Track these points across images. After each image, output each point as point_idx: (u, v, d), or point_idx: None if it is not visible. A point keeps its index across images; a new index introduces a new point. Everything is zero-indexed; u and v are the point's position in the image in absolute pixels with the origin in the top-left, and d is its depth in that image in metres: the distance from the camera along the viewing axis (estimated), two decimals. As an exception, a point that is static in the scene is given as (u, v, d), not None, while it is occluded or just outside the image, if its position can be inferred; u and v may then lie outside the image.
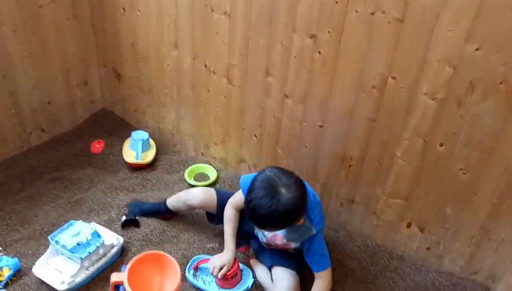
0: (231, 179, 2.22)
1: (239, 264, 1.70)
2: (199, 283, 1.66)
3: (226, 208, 1.73)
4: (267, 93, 1.89)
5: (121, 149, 2.35)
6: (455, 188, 1.62)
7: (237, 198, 1.71)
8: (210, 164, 2.30)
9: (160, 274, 1.22)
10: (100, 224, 1.85)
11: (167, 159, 2.35)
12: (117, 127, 2.54)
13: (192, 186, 2.15)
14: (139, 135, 2.30)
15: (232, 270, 1.63)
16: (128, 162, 2.25)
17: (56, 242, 1.65)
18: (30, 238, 1.82)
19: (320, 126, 1.81)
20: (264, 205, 1.35)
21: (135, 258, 1.20)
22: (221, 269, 1.61)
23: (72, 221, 1.76)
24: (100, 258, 1.70)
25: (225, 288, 1.66)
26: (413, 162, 1.65)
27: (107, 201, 2.05)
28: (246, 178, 1.65)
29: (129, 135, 2.36)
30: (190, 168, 2.26)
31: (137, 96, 2.43)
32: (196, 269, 1.71)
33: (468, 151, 1.53)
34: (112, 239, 1.76)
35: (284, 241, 1.64)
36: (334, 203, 1.95)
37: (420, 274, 1.81)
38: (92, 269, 1.66)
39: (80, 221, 1.75)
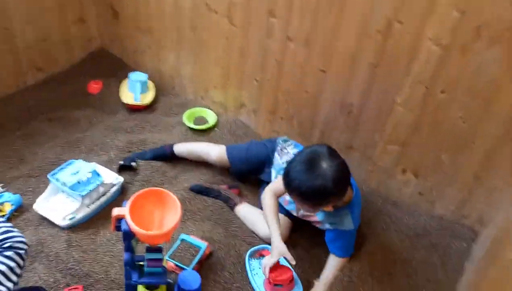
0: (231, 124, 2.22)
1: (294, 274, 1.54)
2: (249, 274, 1.56)
3: (265, 193, 1.62)
4: (270, 35, 1.85)
5: (118, 90, 2.32)
6: (453, 136, 1.64)
7: (278, 185, 1.58)
8: (210, 108, 2.29)
9: (160, 210, 1.24)
10: (99, 164, 1.86)
11: (166, 102, 2.33)
12: (115, 68, 2.49)
13: (191, 129, 2.15)
14: (138, 76, 2.27)
15: (285, 276, 1.49)
16: (127, 103, 2.23)
17: (56, 179, 1.67)
18: (30, 176, 1.84)
19: (322, 71, 1.79)
20: (302, 177, 1.32)
21: (136, 193, 1.22)
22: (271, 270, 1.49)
23: (71, 160, 1.77)
24: (100, 197, 1.73)
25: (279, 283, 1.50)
26: (413, 109, 1.66)
27: (105, 141, 2.05)
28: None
29: (126, 76, 2.33)
30: (189, 111, 2.25)
31: (135, 36, 2.37)
32: (261, 256, 1.63)
33: (469, 99, 1.53)
34: (112, 178, 1.79)
35: (317, 219, 1.61)
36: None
37: (412, 218, 1.87)
38: (92, 207, 1.70)
39: (80, 160, 1.77)
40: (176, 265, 1.53)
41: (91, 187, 1.67)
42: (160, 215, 1.25)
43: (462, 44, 1.45)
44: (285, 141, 1.80)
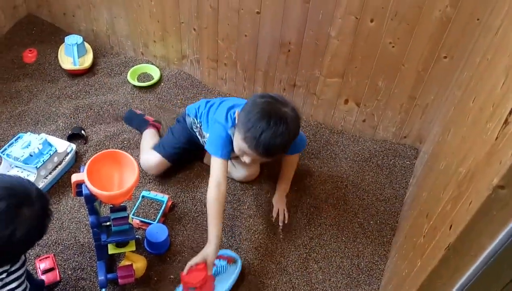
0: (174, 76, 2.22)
1: (212, 274, 1.42)
2: None
3: (209, 188, 1.47)
4: (201, -18, 1.84)
5: (56, 56, 2.25)
6: (385, 61, 1.74)
7: (218, 171, 1.47)
8: (152, 63, 2.28)
9: (118, 171, 1.28)
10: (49, 134, 1.85)
11: (107, 62, 2.29)
12: (47, 33, 2.38)
13: (137, 87, 2.14)
14: (73, 40, 2.19)
15: (195, 281, 1.34)
16: (66, 68, 2.18)
17: (7, 155, 1.66)
18: (-21, 156, 1.81)
19: (257, 12, 1.81)
20: (276, 132, 1.33)
21: (92, 157, 1.24)
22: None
23: (20, 133, 1.75)
24: (56, 166, 1.74)
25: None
26: (347, 40, 1.73)
27: (51, 110, 2.02)
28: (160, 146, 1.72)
29: (62, 41, 2.24)
30: (132, 69, 2.22)
31: (62, -3, 2.26)
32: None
33: (396, 24, 1.61)
34: (65, 146, 1.79)
35: None
36: (277, 89, 2.03)
37: (358, 144, 2.00)
38: (49, 177, 1.71)
39: (28, 133, 1.75)
40: (142, 221, 1.60)
41: (44, 157, 1.68)
42: (119, 175, 1.29)
43: (384, -28, 1.50)
44: (192, 115, 1.75)
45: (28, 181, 1.12)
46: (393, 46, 1.68)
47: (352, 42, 1.73)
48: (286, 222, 1.64)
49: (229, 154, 1.53)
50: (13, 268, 1.09)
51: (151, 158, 1.73)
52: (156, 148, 1.75)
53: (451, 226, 0.91)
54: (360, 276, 1.56)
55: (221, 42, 2.00)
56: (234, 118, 1.51)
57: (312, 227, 1.69)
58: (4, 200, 1.00)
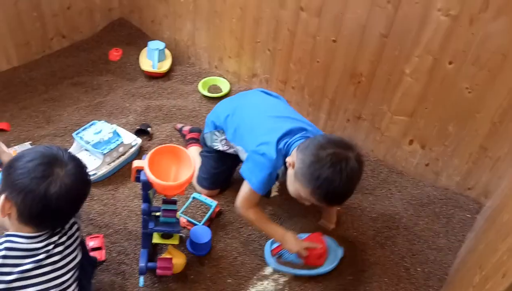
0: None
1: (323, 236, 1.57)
2: (289, 269, 1.55)
3: (243, 211, 1.53)
4: (283, 6, 1.90)
5: (138, 58, 2.41)
6: (459, 106, 1.68)
7: (250, 196, 1.50)
8: (224, 77, 2.37)
9: (176, 166, 1.33)
10: (119, 126, 1.96)
11: (182, 70, 2.41)
12: (134, 37, 2.58)
13: (206, 97, 2.23)
14: (156, 45, 2.35)
15: (322, 247, 1.52)
16: (145, 70, 2.32)
17: (80, 137, 1.78)
18: (56, 135, 1.96)
19: (333, 41, 1.84)
20: (350, 184, 1.30)
21: (155, 148, 1.31)
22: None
23: (94, 121, 1.88)
24: (120, 156, 1.84)
25: (317, 265, 1.54)
26: (421, 79, 1.70)
27: (125, 105, 2.16)
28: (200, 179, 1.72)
29: (145, 45, 2.41)
30: (204, 80, 2.33)
31: (153, 6, 2.44)
32: (278, 256, 1.57)
33: (475, 69, 1.57)
34: (131, 139, 1.89)
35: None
36: (341, 119, 2.03)
37: (417, 188, 1.93)
38: (113, 165, 1.81)
39: (102, 121, 1.87)
40: (188, 221, 1.64)
41: (112, 146, 1.78)
42: (176, 170, 1.34)
43: (470, 14, 1.48)
44: (210, 129, 1.72)
45: (59, 147, 1.09)
46: (469, 92, 1.63)
47: (426, 82, 1.70)
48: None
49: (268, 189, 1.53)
50: (60, 240, 1.10)
51: (197, 188, 1.78)
52: (198, 181, 1.76)
53: (504, 274, 0.85)
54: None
55: (293, 65, 2.04)
56: (284, 154, 1.44)
57: (354, 261, 1.63)
58: (36, 160, 1.02)
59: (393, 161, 2.00)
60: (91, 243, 1.49)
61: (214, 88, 2.33)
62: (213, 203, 1.70)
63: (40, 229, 1.05)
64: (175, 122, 2.09)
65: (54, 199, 1.00)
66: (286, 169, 1.43)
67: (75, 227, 1.16)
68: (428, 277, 1.61)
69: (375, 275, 1.59)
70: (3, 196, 1.01)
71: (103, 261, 1.47)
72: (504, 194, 1.48)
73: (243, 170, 1.50)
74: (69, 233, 1.12)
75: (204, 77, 2.35)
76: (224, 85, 2.32)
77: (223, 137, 1.67)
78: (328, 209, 1.71)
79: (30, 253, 1.03)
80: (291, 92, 2.13)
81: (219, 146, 1.69)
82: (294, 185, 1.38)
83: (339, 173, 1.26)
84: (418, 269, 1.63)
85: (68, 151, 1.11)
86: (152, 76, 2.34)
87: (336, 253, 1.57)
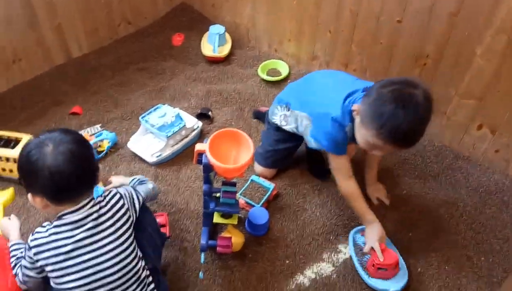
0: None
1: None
2: (352, 252, 1.53)
3: (345, 185, 1.52)
4: (345, -14, 1.86)
5: (199, 42, 2.47)
6: (535, 89, 1.57)
7: (346, 166, 1.51)
8: (283, 60, 2.36)
9: (236, 149, 1.37)
10: (181, 110, 2.03)
11: (242, 54, 2.44)
12: (195, 21, 2.64)
13: (265, 81, 2.25)
14: (216, 29, 2.39)
15: (391, 261, 1.43)
16: (206, 54, 2.38)
17: (146, 121, 1.87)
18: (123, 119, 2.07)
19: (398, 21, 1.77)
20: (417, 119, 1.24)
21: (215, 132, 1.35)
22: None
23: (159, 104, 1.96)
24: (183, 139, 1.91)
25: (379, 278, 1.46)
26: (493, 60, 1.60)
27: (187, 90, 2.23)
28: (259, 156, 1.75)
29: (207, 29, 2.45)
30: (263, 63, 2.34)
31: (214, -10, 2.48)
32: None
33: (556, 49, 1.45)
34: (193, 123, 1.96)
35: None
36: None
37: (484, 175, 1.83)
38: (176, 147, 1.88)
39: (166, 105, 1.95)
40: (247, 202, 1.68)
41: (175, 129, 1.85)
42: (236, 153, 1.38)
43: (552, -11, 1.36)
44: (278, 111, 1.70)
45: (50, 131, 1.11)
46: (547, 73, 1.51)
47: (499, 63, 1.59)
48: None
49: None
50: (102, 211, 1.14)
51: (255, 167, 1.80)
52: (255, 157, 1.77)
53: None
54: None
55: (355, 47, 1.99)
56: (350, 111, 1.41)
57: (414, 248, 1.59)
58: (25, 150, 1.07)
59: (460, 147, 1.91)
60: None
61: (273, 71, 2.33)
62: (271, 185, 1.72)
63: (71, 201, 1.10)
64: (234, 106, 2.13)
65: (56, 171, 1.03)
66: (353, 125, 1.41)
67: (116, 197, 1.20)
68: (492, 267, 1.54)
69: (435, 262, 1.55)
70: (29, 195, 1.10)
71: (168, 238, 1.55)
72: None
73: (312, 135, 1.53)
74: (111, 203, 1.17)
75: (264, 61, 2.36)
76: (284, 69, 2.32)
77: (283, 113, 1.67)
78: (375, 184, 1.71)
79: (78, 224, 1.10)
80: (352, 75, 2.07)
81: (277, 120, 1.70)
82: (360, 132, 1.35)
83: (403, 108, 1.22)
84: (482, 258, 1.57)
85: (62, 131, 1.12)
86: (213, 61, 2.39)
87: (404, 272, 1.48)
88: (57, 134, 1.09)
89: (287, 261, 1.53)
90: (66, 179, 1.06)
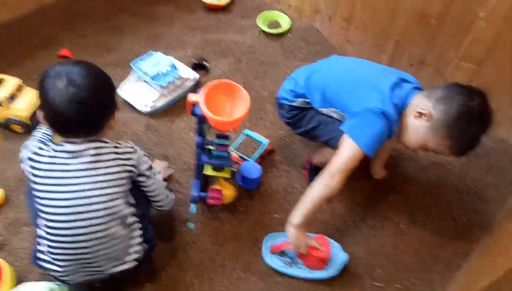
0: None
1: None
2: (287, 270, 1.43)
3: (334, 178, 1.28)
4: None
5: (198, -12, 2.38)
6: (534, 56, 1.55)
7: (354, 157, 1.28)
8: (285, 13, 2.29)
9: (231, 102, 1.35)
10: (176, 59, 1.99)
11: (242, 3, 2.37)
12: (194, -34, 2.53)
13: (264, 33, 2.19)
14: (216, -24, 2.30)
15: (327, 250, 1.39)
16: (205, 1, 2.30)
17: (137, 68, 1.83)
18: (117, 65, 2.01)
19: (403, -22, 1.71)
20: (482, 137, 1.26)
21: (211, 83, 1.33)
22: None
23: (151, 51, 1.91)
24: (177, 89, 1.89)
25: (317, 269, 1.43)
26: (496, 24, 1.57)
27: (183, 38, 2.17)
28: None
29: (206, -25, 2.36)
30: (263, 14, 2.27)
31: None
32: (281, 252, 1.45)
33: (562, 16, 1.42)
34: (188, 73, 1.92)
35: None
36: (404, 63, 1.93)
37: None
38: (170, 97, 1.86)
39: (159, 52, 1.91)
40: (240, 156, 1.69)
41: (169, 79, 1.82)
42: (231, 106, 1.36)
43: None
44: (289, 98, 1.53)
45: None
46: (549, 41, 1.49)
47: (502, 27, 1.56)
48: None
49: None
50: (98, 151, 1.15)
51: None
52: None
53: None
54: (436, 266, 1.50)
55: (358, 2, 1.93)
56: (400, 108, 1.31)
57: (400, 205, 1.63)
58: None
59: (455, 111, 1.90)
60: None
61: (274, 24, 2.27)
62: (266, 141, 1.72)
63: (73, 137, 1.13)
64: (232, 57, 2.09)
65: (59, 112, 1.06)
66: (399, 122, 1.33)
67: (130, 150, 1.21)
68: (471, 227, 1.60)
69: (419, 220, 1.60)
70: (38, 112, 1.13)
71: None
72: None
73: (347, 127, 1.32)
74: (120, 149, 1.19)
75: (264, 12, 2.29)
76: (285, 21, 2.25)
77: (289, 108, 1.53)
78: (381, 169, 1.69)
79: (76, 154, 1.12)
80: (354, 31, 2.03)
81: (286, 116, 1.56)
82: (424, 137, 1.29)
83: (483, 131, 1.24)
84: (463, 218, 1.62)
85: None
86: (212, 9, 2.32)
87: (339, 261, 1.42)
88: (77, 70, 1.08)
89: (277, 216, 1.57)
90: (67, 122, 1.08)
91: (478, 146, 1.29)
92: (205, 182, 1.58)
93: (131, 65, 1.84)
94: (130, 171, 1.20)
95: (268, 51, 2.12)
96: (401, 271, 1.48)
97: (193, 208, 1.51)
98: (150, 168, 1.28)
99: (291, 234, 1.36)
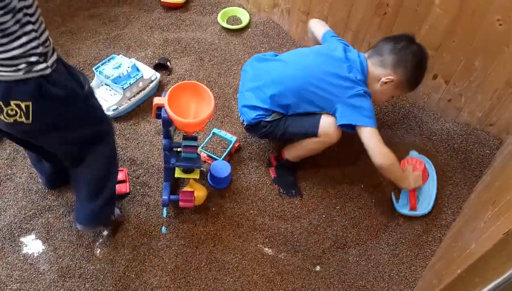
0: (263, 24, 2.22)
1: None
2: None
3: (389, 160, 1.50)
4: None
5: (154, -13, 2.33)
6: (488, 39, 1.60)
7: (378, 137, 1.49)
8: (244, 8, 2.28)
9: (196, 102, 1.34)
10: (138, 60, 1.95)
11: (201, 0, 2.33)
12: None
13: (225, 29, 2.18)
14: (172, -27, 2.26)
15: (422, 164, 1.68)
16: (162, 0, 2.26)
17: (100, 72, 1.79)
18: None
19: (359, -31, 1.74)
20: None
21: (174, 85, 1.31)
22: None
23: (113, 55, 1.87)
24: (140, 91, 1.85)
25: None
26: (451, 10, 1.61)
27: (143, 38, 2.13)
28: None
29: (161, -27, 2.32)
30: (223, 10, 2.25)
31: None
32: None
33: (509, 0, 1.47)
34: (150, 74, 1.89)
35: None
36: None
37: (437, 123, 1.91)
38: (133, 100, 1.82)
39: (120, 55, 1.86)
40: (209, 156, 1.68)
41: (131, 80, 1.79)
42: (196, 106, 1.35)
43: None
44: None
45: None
46: (500, 25, 1.54)
47: (456, 13, 1.61)
48: None
49: None
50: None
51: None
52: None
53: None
54: (410, 252, 1.54)
55: (316, -5, 1.95)
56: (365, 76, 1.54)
57: (367, 193, 1.67)
58: None
59: (415, 97, 1.96)
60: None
61: (233, 19, 2.26)
62: (233, 138, 1.72)
63: None
64: (194, 56, 2.06)
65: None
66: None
67: None
68: (442, 211, 1.64)
69: (388, 209, 1.64)
70: None
71: (128, 194, 1.54)
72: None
73: (350, 119, 1.46)
74: None
75: (224, 8, 2.27)
76: (244, 16, 2.25)
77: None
78: None
79: None
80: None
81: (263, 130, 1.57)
82: (392, 93, 1.59)
83: (426, 58, 1.56)
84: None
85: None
86: (170, 7, 2.28)
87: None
88: None
89: (251, 212, 1.57)
90: None
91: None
92: (175, 184, 1.56)
93: (94, 70, 1.79)
94: None
95: (230, 48, 2.11)
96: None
97: (165, 212, 1.49)
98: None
99: (411, 184, 1.60)
